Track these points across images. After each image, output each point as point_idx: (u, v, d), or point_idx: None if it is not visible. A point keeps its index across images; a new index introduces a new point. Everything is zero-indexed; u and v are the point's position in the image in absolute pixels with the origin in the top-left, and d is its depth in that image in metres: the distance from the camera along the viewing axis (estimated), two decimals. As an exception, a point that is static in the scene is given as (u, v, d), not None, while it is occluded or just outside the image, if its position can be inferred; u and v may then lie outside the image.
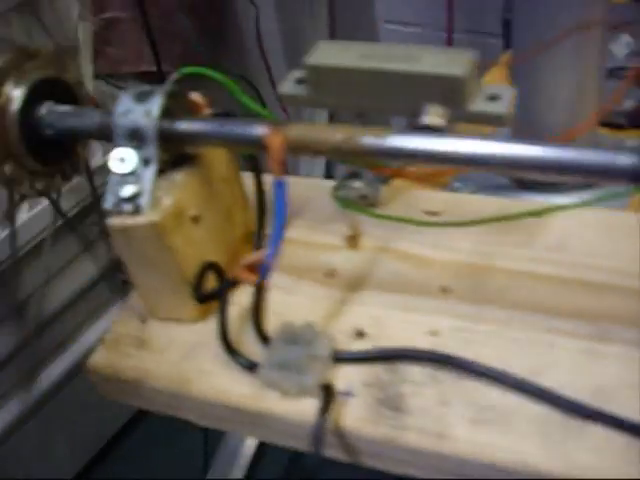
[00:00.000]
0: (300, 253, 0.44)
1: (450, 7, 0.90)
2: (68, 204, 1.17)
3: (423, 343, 0.37)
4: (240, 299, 0.41)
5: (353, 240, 0.44)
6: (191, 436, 1.15)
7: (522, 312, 0.38)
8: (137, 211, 0.37)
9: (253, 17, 1.18)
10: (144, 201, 0.36)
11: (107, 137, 0.39)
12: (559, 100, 0.51)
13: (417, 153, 0.32)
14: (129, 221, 0.37)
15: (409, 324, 0.39)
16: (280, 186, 0.34)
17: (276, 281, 0.42)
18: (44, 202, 1.21)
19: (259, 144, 0.35)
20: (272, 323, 0.39)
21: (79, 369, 1.30)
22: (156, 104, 0.37)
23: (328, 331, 0.38)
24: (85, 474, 1.46)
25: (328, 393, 0.35)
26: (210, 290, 0.39)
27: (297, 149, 0.34)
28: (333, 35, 1.18)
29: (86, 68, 0.45)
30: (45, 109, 0.40)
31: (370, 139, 0.33)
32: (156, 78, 1.26)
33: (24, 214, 1.23)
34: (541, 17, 0.48)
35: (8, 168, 0.39)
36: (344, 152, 0.33)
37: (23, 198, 0.41)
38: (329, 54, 0.38)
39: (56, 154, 0.42)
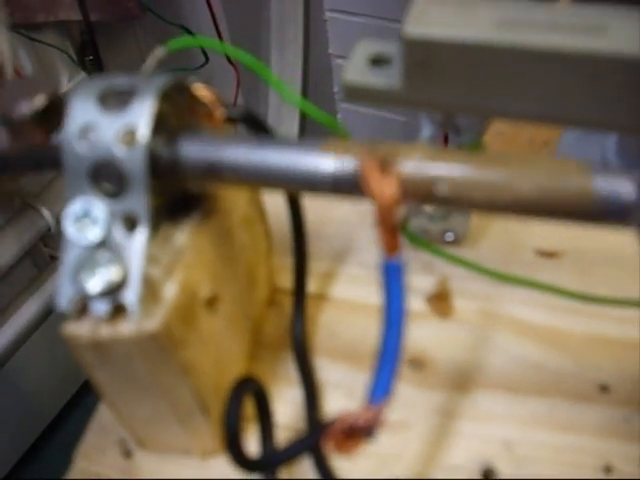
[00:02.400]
0: (360, 326, 0.29)
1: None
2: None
3: (597, 490, 0.24)
4: (277, 418, 0.26)
5: (442, 302, 0.29)
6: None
7: None
8: (119, 311, 0.20)
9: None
10: (131, 295, 0.20)
11: (42, 167, 0.22)
12: None
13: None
14: (106, 332, 0.20)
15: (564, 453, 0.24)
16: (394, 272, 0.19)
17: (330, 377, 0.27)
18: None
19: (350, 189, 0.19)
20: (344, 459, 0.24)
21: (10, 354, 1.12)
22: (143, 115, 0.20)
23: (438, 473, 0.24)
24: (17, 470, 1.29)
25: None
26: (263, 452, 0.23)
27: (420, 198, 0.19)
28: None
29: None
30: None
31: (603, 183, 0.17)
32: (79, 29, 1.06)
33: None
34: None
35: None
36: (525, 207, 0.18)
37: None
38: (441, 19, 0.22)
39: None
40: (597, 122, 0.22)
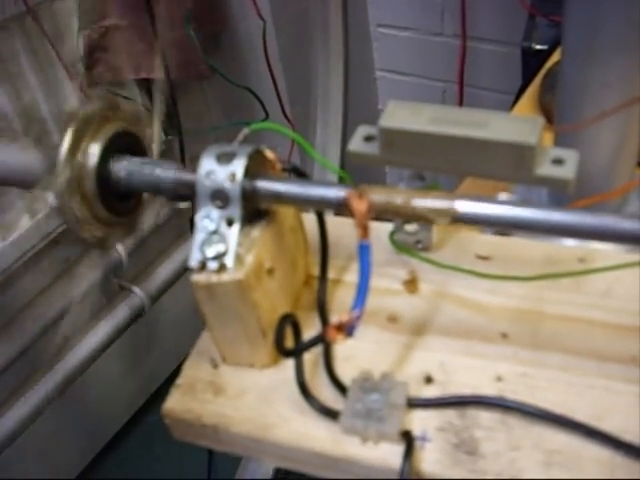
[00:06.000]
0: (361, 297, 0.46)
1: (462, 62, 0.94)
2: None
3: (490, 389, 0.40)
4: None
5: (412, 285, 0.46)
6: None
7: (577, 357, 0.41)
8: (222, 269, 0.38)
9: (257, 27, 1.19)
10: (229, 260, 0.38)
11: (180, 194, 0.41)
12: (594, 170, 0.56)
13: (513, 222, 0.35)
14: (214, 278, 0.38)
15: (475, 370, 0.41)
16: (365, 249, 0.36)
17: (340, 325, 0.45)
18: (43, 212, 1.22)
19: (342, 208, 0.37)
20: (343, 368, 0.41)
21: (78, 374, 1.31)
22: (240, 167, 0.38)
23: (398, 377, 0.41)
24: (86, 474, 1.48)
25: (408, 439, 0.37)
26: (293, 345, 0.41)
27: (380, 214, 0.37)
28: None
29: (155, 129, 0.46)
30: (120, 163, 0.42)
31: (464, 206, 0.35)
32: (154, 85, 1.28)
33: (25, 222, 1.24)
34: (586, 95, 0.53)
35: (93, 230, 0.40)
36: (431, 218, 0.36)
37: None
38: (401, 117, 0.40)
39: (124, 207, 0.44)
40: (484, 174, 0.39)
